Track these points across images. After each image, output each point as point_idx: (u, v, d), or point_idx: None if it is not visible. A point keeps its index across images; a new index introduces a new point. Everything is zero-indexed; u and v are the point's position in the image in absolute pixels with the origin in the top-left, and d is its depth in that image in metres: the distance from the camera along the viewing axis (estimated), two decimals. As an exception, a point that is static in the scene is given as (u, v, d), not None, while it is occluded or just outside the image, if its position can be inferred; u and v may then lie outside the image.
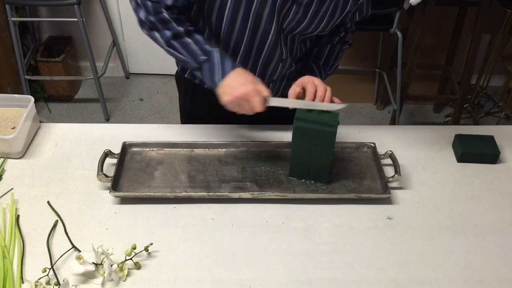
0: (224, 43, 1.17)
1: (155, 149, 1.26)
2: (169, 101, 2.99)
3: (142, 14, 1.09)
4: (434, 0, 2.26)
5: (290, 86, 1.36)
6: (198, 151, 1.26)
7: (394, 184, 1.18)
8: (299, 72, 1.27)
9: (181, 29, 1.09)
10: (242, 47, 1.17)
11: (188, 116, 1.47)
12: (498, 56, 2.75)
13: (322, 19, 1.14)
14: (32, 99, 1.31)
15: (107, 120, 2.87)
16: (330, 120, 1.09)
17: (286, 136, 1.31)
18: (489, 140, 1.28)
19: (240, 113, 1.10)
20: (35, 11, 2.92)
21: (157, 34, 1.11)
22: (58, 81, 2.90)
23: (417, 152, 1.29)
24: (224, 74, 1.07)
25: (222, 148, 1.26)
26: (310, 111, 1.10)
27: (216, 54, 1.09)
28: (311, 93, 1.10)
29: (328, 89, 1.11)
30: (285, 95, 1.37)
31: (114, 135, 1.32)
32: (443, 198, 1.16)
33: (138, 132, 1.34)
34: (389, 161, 1.22)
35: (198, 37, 1.11)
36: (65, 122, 1.38)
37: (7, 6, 2.48)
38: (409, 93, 2.60)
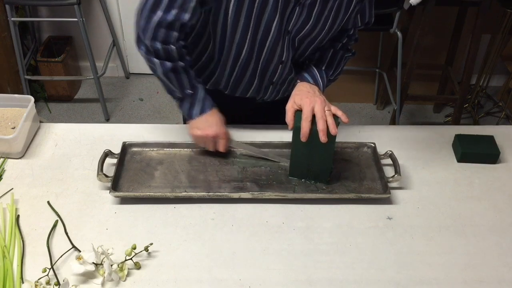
0: (228, 45, 1.17)
1: (155, 149, 1.26)
2: (169, 101, 2.99)
3: (148, 38, 1.09)
4: (434, 0, 2.26)
5: (290, 90, 1.36)
6: (198, 151, 1.26)
7: (394, 184, 1.18)
8: (300, 75, 1.26)
9: (182, 64, 1.14)
10: (245, 48, 1.18)
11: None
12: (498, 56, 2.75)
13: (327, 20, 1.14)
14: (32, 99, 1.31)
15: (107, 120, 2.87)
16: None
17: (286, 136, 1.31)
18: (489, 140, 1.28)
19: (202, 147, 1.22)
20: (35, 11, 2.92)
21: (156, 61, 1.13)
22: (58, 81, 2.90)
23: (417, 152, 1.29)
24: (202, 111, 1.18)
25: (222, 148, 1.26)
26: None
27: (201, 91, 1.18)
28: (307, 118, 1.08)
29: (328, 109, 1.09)
30: (284, 99, 1.37)
31: (114, 135, 1.32)
32: (443, 198, 1.16)
33: (138, 132, 1.34)
34: (389, 161, 1.22)
35: (191, 72, 1.17)
36: (65, 122, 1.37)
37: (7, 6, 2.48)
38: (409, 93, 2.60)
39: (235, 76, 1.26)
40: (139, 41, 1.13)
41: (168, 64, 1.13)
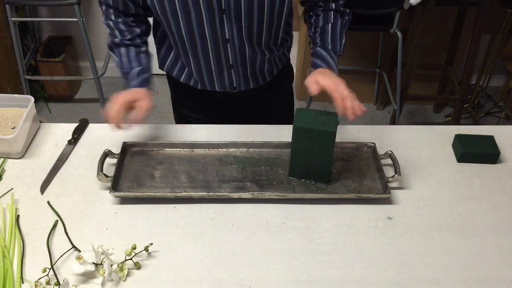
0: (169, 28, 1.22)
1: (155, 149, 1.26)
2: (169, 101, 2.97)
3: (103, 18, 1.28)
4: (434, 0, 2.26)
5: (259, 75, 1.35)
6: (198, 151, 1.26)
7: (394, 184, 1.18)
8: (312, 63, 1.23)
9: (117, 40, 1.26)
10: (183, 30, 1.20)
11: (178, 108, 1.54)
12: (498, 56, 2.75)
13: None
14: (32, 99, 1.31)
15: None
16: (329, 121, 1.09)
17: (286, 136, 1.31)
18: (489, 140, 1.28)
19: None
20: (35, 11, 2.92)
21: (106, 38, 1.30)
22: (58, 81, 2.90)
23: (417, 152, 1.29)
24: (131, 86, 1.26)
25: (222, 148, 1.26)
26: (309, 111, 1.11)
27: (133, 72, 1.26)
28: (340, 106, 1.10)
29: (352, 96, 1.10)
30: (256, 85, 1.37)
31: (114, 135, 1.32)
32: (443, 198, 1.16)
33: (138, 132, 1.34)
34: (389, 161, 1.22)
35: (131, 51, 1.26)
36: (65, 122, 1.37)
37: (7, 6, 2.48)
38: (409, 93, 2.60)
39: (193, 62, 1.29)
40: None
41: (108, 39, 1.27)
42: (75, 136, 1.31)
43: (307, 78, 1.15)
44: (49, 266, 0.97)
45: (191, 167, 1.21)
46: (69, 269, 0.96)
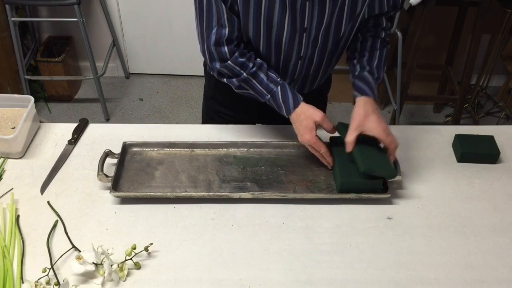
0: (250, 42, 1.19)
1: (155, 149, 1.26)
2: (169, 101, 2.99)
3: (210, 62, 1.19)
4: (434, 0, 2.26)
5: (309, 85, 1.34)
6: (198, 151, 1.26)
7: (394, 184, 1.18)
8: (357, 87, 1.21)
9: (245, 75, 1.18)
10: (261, 45, 1.19)
11: (211, 101, 1.47)
12: (498, 56, 2.75)
13: (343, 8, 1.12)
14: (32, 99, 1.31)
15: (107, 120, 2.87)
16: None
17: (286, 136, 1.31)
18: (489, 140, 1.28)
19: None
20: (35, 11, 2.92)
21: (226, 81, 1.22)
22: (58, 81, 2.90)
23: (417, 152, 1.29)
24: (288, 112, 1.18)
25: (222, 148, 1.26)
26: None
27: (278, 93, 1.18)
28: (393, 150, 1.15)
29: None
30: (301, 93, 1.33)
31: (114, 135, 1.32)
32: (443, 198, 1.16)
33: (138, 132, 1.34)
34: (389, 161, 1.22)
35: (261, 76, 1.19)
36: (65, 122, 1.37)
37: (7, 6, 2.48)
38: (409, 93, 2.60)
39: None
40: (211, 70, 1.22)
41: (234, 80, 1.19)
42: (75, 136, 1.31)
43: (351, 131, 1.14)
44: (49, 266, 0.97)
45: (191, 167, 1.21)
46: (69, 269, 0.96)
